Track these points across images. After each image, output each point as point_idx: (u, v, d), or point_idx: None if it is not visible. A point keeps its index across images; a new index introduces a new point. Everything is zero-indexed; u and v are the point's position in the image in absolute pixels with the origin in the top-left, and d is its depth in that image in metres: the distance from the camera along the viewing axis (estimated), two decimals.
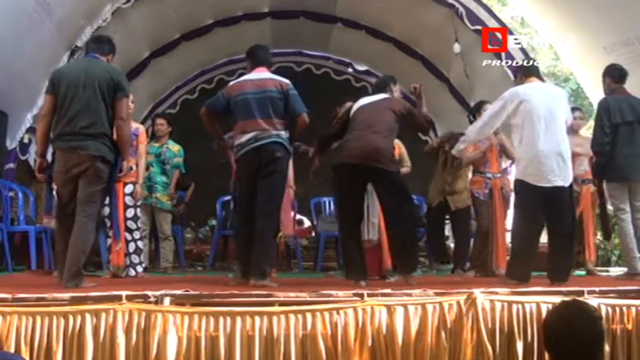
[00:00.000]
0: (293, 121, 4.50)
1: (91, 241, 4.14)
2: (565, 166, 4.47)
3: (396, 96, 4.82)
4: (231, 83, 4.66)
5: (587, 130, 6.96)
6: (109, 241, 5.38)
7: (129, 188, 5.39)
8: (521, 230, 4.56)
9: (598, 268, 6.88)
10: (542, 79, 4.88)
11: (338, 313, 3.08)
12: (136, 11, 7.30)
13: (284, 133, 4.43)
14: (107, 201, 4.64)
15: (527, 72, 4.82)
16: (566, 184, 4.47)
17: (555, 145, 4.43)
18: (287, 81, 4.54)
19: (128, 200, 5.38)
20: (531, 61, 5.17)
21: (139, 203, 5.54)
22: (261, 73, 4.57)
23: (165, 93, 9.80)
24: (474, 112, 6.00)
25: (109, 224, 5.37)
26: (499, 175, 5.79)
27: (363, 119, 4.53)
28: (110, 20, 6.90)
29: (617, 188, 5.21)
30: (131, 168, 5.30)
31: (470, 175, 6.11)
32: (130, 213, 5.40)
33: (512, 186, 5.48)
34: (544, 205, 4.49)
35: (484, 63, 7.38)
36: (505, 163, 5.89)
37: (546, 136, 4.41)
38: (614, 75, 5.32)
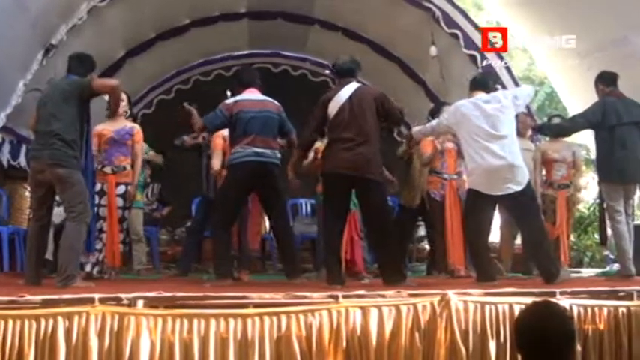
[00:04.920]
0: (285, 140, 5.15)
1: (81, 242, 4.41)
2: (517, 171, 4.62)
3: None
4: (231, 101, 4.91)
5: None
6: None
7: (121, 189, 5.35)
8: (478, 234, 4.80)
9: (571, 269, 7.00)
10: (488, 91, 4.95)
11: (312, 314, 3.08)
12: (111, 10, 7.22)
13: (278, 153, 4.93)
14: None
15: (472, 85, 4.97)
16: (520, 188, 4.61)
17: (502, 156, 4.58)
18: (279, 104, 5.01)
19: (118, 202, 5.33)
20: (478, 73, 5.29)
21: (128, 205, 5.47)
22: (257, 94, 4.96)
23: (140, 93, 9.71)
24: (434, 112, 6.06)
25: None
26: (455, 176, 5.86)
27: (348, 125, 4.47)
28: (86, 19, 6.81)
29: (613, 189, 5.33)
30: (124, 168, 5.33)
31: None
32: (118, 214, 5.34)
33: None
34: (508, 210, 4.66)
35: (460, 66, 7.47)
36: (462, 166, 5.94)
37: (492, 149, 4.58)
38: (605, 79, 5.46)
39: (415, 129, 5.16)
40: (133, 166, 5.46)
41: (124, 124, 5.47)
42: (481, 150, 4.62)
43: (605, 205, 5.55)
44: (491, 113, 4.69)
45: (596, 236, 6.16)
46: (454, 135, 5.45)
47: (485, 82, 5.07)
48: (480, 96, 4.84)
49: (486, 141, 4.61)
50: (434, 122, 5.05)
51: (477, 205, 4.77)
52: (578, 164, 6.23)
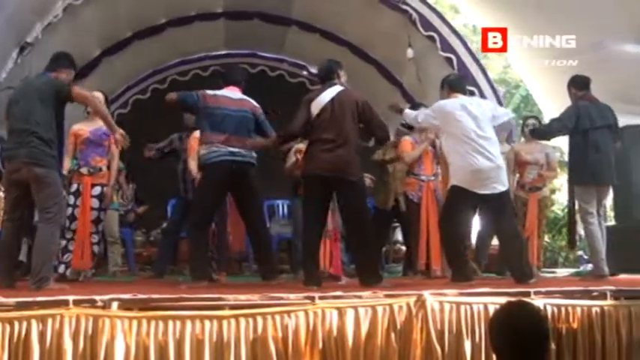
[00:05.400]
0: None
1: (55, 244, 4.35)
2: (502, 172, 4.73)
3: (344, 81, 4.79)
4: (210, 92, 4.87)
5: None
6: (63, 242, 5.17)
7: (96, 190, 5.29)
8: (456, 233, 4.79)
9: (546, 270, 7.10)
10: (465, 93, 5.05)
11: (289, 315, 3.08)
12: (87, 8, 7.15)
13: (253, 152, 4.88)
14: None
15: (451, 87, 4.97)
16: (504, 188, 4.72)
17: (491, 157, 4.65)
18: (258, 105, 4.98)
19: (93, 202, 5.27)
20: (454, 75, 5.37)
21: (104, 207, 5.41)
22: (236, 93, 4.93)
23: (116, 92, 9.62)
24: None
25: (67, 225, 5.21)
26: (432, 177, 5.90)
27: (329, 126, 4.50)
28: (61, 17, 6.73)
29: (586, 192, 5.43)
30: (100, 169, 5.27)
31: None
32: (93, 216, 5.28)
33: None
34: (487, 210, 4.70)
35: (436, 68, 7.52)
36: (439, 168, 5.99)
37: (482, 151, 4.64)
38: (578, 83, 5.57)
39: (407, 111, 5.15)
40: (109, 167, 5.41)
41: (101, 124, 5.38)
42: (472, 150, 4.65)
43: (577, 208, 5.64)
44: (476, 114, 4.76)
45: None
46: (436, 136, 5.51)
47: (463, 85, 5.16)
48: (462, 97, 4.90)
49: (476, 142, 4.66)
50: (420, 117, 5.00)
51: (459, 203, 4.76)
52: (552, 166, 6.30)
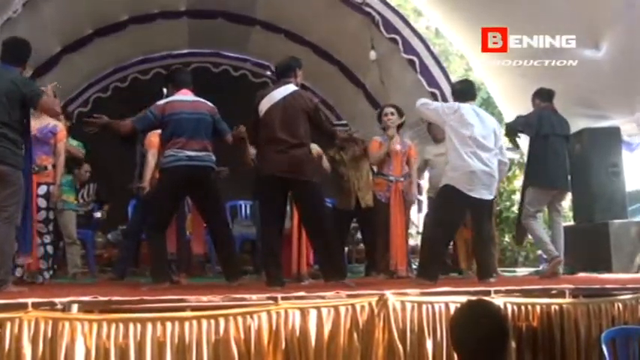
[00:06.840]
0: (221, 141, 4.94)
1: (11, 244, 4.20)
2: (494, 181, 4.89)
3: (299, 81, 4.77)
4: (163, 102, 4.79)
5: None
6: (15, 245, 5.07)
7: (42, 189, 5.17)
8: (438, 232, 4.86)
9: (506, 269, 7.23)
10: (475, 99, 5.24)
11: (251, 317, 3.06)
12: (48, 3, 7.04)
13: (212, 156, 4.77)
14: None
15: (460, 96, 5.08)
16: (492, 197, 4.93)
17: (489, 165, 4.80)
18: (213, 105, 4.88)
19: (40, 202, 5.14)
20: (460, 84, 5.50)
21: (52, 206, 5.30)
22: (190, 96, 4.85)
23: (77, 90, 9.46)
24: (378, 118, 6.18)
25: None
26: (401, 178, 5.94)
27: (282, 126, 4.48)
28: (21, 12, 6.58)
29: (538, 194, 5.67)
30: (45, 167, 5.15)
31: (371, 176, 6.24)
32: (42, 216, 5.15)
33: (414, 190, 5.76)
34: (471, 213, 4.92)
35: (399, 70, 7.58)
36: (407, 168, 6.04)
37: (481, 157, 4.77)
38: (543, 95, 5.86)
39: (421, 100, 5.14)
40: (54, 166, 5.30)
41: (48, 121, 5.23)
42: (472, 153, 4.76)
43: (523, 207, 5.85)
44: (484, 122, 4.92)
45: (529, 236, 6.40)
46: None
47: (473, 91, 5.27)
48: (473, 105, 5.05)
49: (479, 148, 4.78)
50: (433, 110, 5.03)
51: (449, 203, 4.81)
52: None
